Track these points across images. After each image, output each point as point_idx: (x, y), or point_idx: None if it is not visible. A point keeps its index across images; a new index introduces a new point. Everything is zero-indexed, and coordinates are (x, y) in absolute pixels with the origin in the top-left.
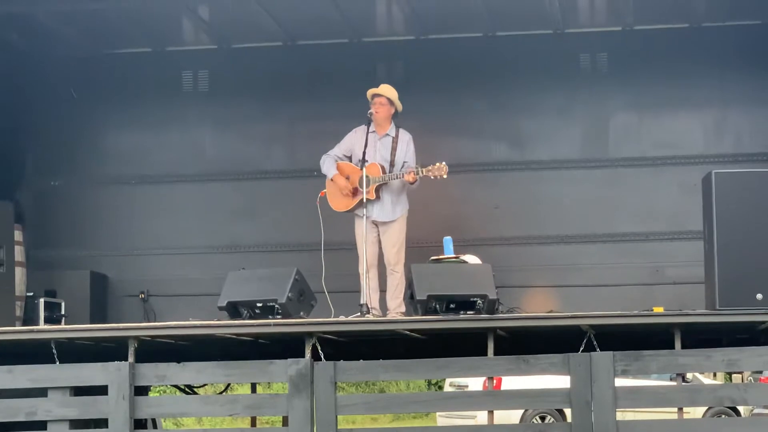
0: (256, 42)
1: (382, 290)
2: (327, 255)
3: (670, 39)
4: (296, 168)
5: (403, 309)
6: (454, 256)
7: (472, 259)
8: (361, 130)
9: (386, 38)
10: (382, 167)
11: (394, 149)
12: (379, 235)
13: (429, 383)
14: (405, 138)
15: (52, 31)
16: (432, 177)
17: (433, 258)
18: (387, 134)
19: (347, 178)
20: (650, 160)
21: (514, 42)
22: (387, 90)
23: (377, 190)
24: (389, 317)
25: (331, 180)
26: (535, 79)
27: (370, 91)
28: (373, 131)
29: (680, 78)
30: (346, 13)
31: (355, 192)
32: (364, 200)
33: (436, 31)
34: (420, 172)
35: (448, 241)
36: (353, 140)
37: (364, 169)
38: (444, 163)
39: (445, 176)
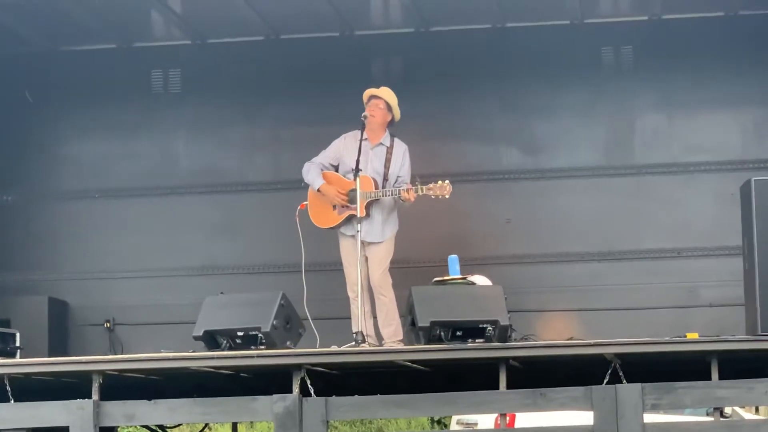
0: (235, 36)
1: (375, 316)
2: (312, 277)
3: (703, 29)
4: (281, 179)
5: (399, 336)
6: (460, 276)
7: (480, 280)
8: (352, 136)
9: (382, 31)
10: (375, 181)
11: (388, 161)
12: (365, 255)
13: (433, 421)
14: (400, 149)
15: (0, 25)
16: (432, 196)
17: (436, 279)
18: (381, 143)
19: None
20: (682, 166)
21: (526, 34)
22: (387, 94)
23: (367, 206)
24: (387, 346)
25: (318, 191)
26: (551, 77)
27: (368, 92)
28: (365, 139)
29: (715, 74)
30: (336, 3)
31: (342, 205)
32: (358, 215)
33: (439, 23)
34: (419, 191)
35: (453, 260)
36: (341, 147)
37: (358, 180)
38: (447, 181)
39: (447, 196)
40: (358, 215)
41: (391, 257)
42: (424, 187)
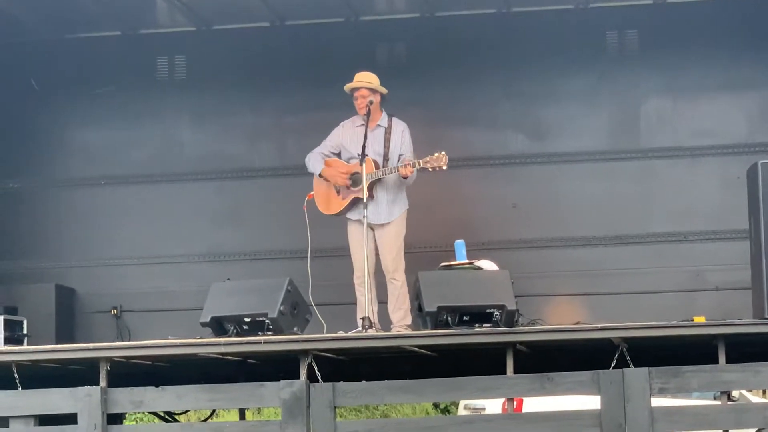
0: (240, 23)
1: (381, 301)
2: (316, 263)
3: (708, 13)
4: (286, 165)
5: (408, 322)
6: (467, 261)
7: (487, 264)
8: (350, 123)
9: (387, 16)
10: (375, 162)
11: (387, 140)
12: (374, 238)
13: (438, 407)
14: (399, 127)
15: (5, 14)
16: (430, 169)
17: (443, 264)
18: (378, 125)
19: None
20: (687, 150)
21: (531, 19)
22: (365, 78)
23: (370, 188)
24: (394, 332)
25: (320, 176)
26: (556, 61)
27: (347, 87)
28: (362, 124)
29: (721, 57)
30: None
31: (347, 189)
32: (365, 199)
33: (444, 8)
34: (416, 164)
35: (460, 245)
36: (341, 135)
37: (363, 166)
38: (443, 152)
39: (444, 167)
40: (364, 198)
41: (403, 239)
42: (420, 161)
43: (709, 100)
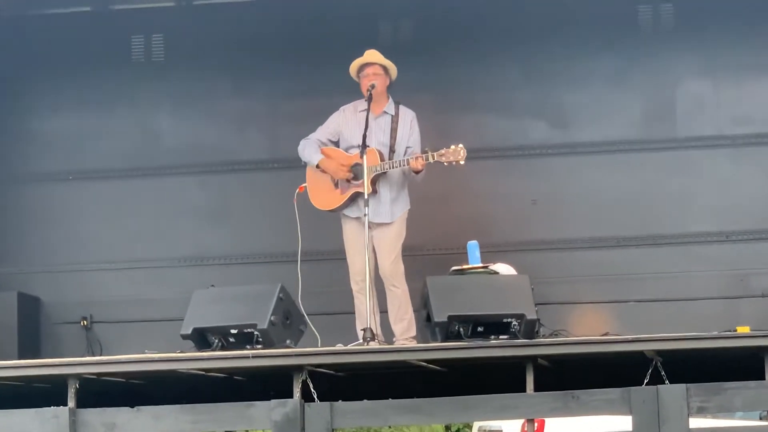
0: None
1: (383, 310)
2: (310, 267)
3: None
4: (277, 157)
5: (412, 333)
6: (481, 265)
7: (504, 268)
8: (351, 108)
9: None
10: (380, 153)
11: (394, 130)
12: (372, 239)
13: (450, 429)
14: (407, 117)
15: None
16: (445, 163)
17: (454, 269)
18: (385, 112)
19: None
20: (729, 139)
21: None
22: (378, 57)
23: (374, 182)
24: (399, 344)
25: (316, 167)
26: (582, 39)
27: (356, 63)
28: (364, 110)
29: (766, 35)
30: None
31: (347, 182)
32: (366, 195)
33: None
34: (430, 158)
35: (473, 247)
36: (340, 121)
37: (364, 157)
38: (461, 145)
39: (462, 162)
40: (366, 193)
41: (403, 241)
42: (435, 154)
43: (753, 83)
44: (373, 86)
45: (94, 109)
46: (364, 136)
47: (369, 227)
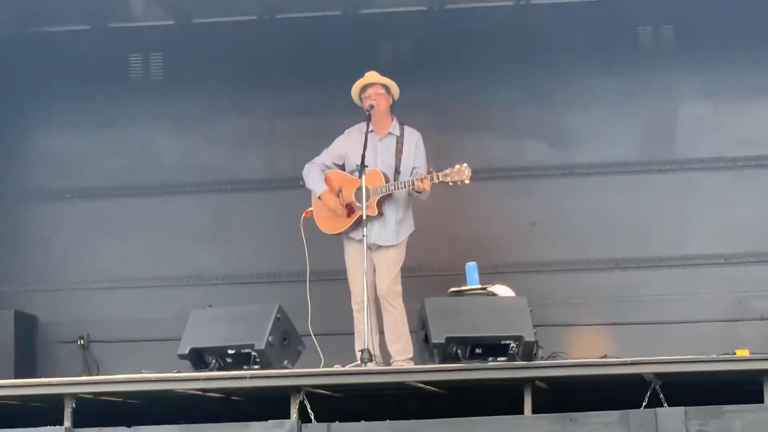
0: (224, 16)
1: (383, 331)
2: (313, 287)
3: (754, 6)
4: (276, 177)
5: (409, 354)
6: (479, 286)
7: (502, 290)
8: (356, 130)
9: (390, 9)
10: (385, 175)
11: (399, 152)
12: (373, 260)
13: None
14: (413, 138)
15: None
16: (450, 183)
17: (452, 290)
18: (390, 133)
19: (339, 191)
20: (730, 161)
21: (553, 11)
22: (379, 77)
23: (379, 204)
24: (396, 366)
25: (319, 198)
26: (581, 59)
27: (358, 85)
28: (371, 131)
29: (767, 56)
30: None
31: (350, 210)
32: (364, 217)
33: (455, 0)
34: (435, 178)
35: (471, 268)
36: (346, 144)
37: (363, 178)
38: (465, 164)
39: (467, 182)
40: (364, 215)
41: (402, 263)
42: (439, 174)
43: (753, 105)
44: (372, 106)
45: (92, 127)
46: (363, 156)
47: (371, 249)
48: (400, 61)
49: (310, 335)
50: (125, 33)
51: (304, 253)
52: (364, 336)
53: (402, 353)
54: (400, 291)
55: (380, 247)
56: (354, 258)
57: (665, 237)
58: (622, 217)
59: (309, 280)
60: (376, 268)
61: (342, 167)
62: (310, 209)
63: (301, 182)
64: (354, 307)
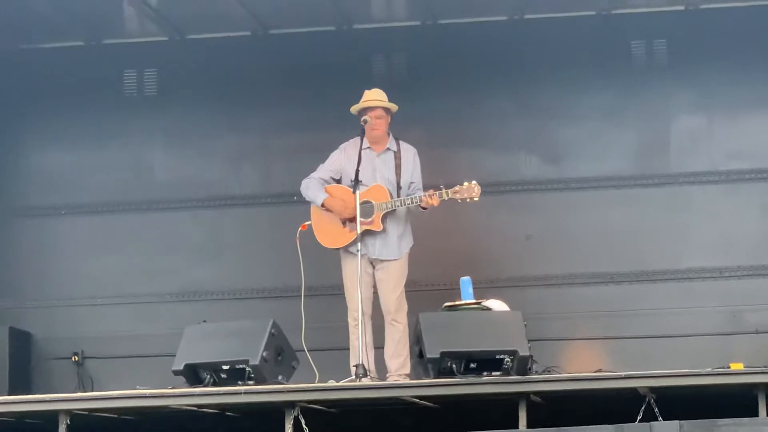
0: (218, 32)
1: (378, 347)
2: (308, 302)
3: (746, 20)
4: (270, 192)
5: (407, 371)
6: (474, 301)
7: (497, 305)
8: (352, 145)
9: (384, 25)
10: (389, 191)
11: (398, 167)
12: (373, 275)
13: None
14: (409, 153)
15: None
16: (459, 200)
17: (447, 305)
18: (388, 149)
19: (345, 221)
20: (723, 174)
21: (547, 27)
22: (377, 96)
23: (383, 219)
24: (391, 381)
25: (321, 206)
26: (575, 74)
27: (357, 107)
28: (368, 147)
29: (760, 70)
30: None
31: (353, 220)
32: (358, 232)
33: (447, 15)
34: (444, 195)
35: (466, 283)
36: (342, 159)
37: (357, 194)
38: (474, 181)
39: (476, 199)
40: (358, 230)
41: (405, 277)
42: (449, 191)
43: (747, 119)
44: (365, 121)
45: (86, 143)
46: (357, 171)
47: (373, 264)
48: (394, 76)
49: (305, 350)
50: (119, 49)
51: (299, 267)
52: (358, 351)
53: (400, 368)
54: (406, 307)
55: (382, 261)
56: (352, 272)
57: (660, 250)
58: (617, 231)
59: (303, 295)
60: (379, 283)
61: (339, 181)
62: (307, 223)
63: (295, 197)
64: (351, 322)
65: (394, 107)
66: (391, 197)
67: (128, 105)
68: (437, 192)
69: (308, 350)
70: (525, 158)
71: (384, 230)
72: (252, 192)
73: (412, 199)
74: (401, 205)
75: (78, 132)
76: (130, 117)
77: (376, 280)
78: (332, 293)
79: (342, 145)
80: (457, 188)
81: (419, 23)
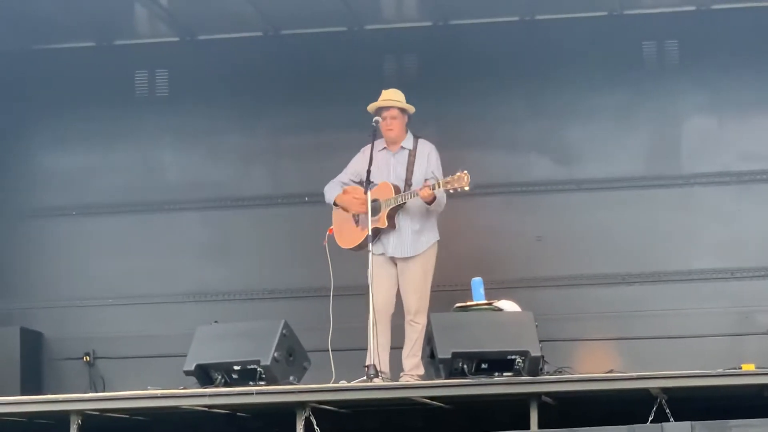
0: (229, 32)
1: (395, 347)
2: (322, 303)
3: (758, 20)
4: (281, 193)
5: (421, 371)
6: (485, 302)
7: (508, 305)
8: (370, 147)
9: (395, 25)
10: (396, 187)
11: (411, 164)
12: (397, 275)
13: None
14: (425, 150)
15: None
16: (450, 190)
17: (458, 305)
18: (402, 147)
19: (357, 218)
20: (735, 176)
21: (558, 27)
22: (393, 96)
23: (390, 216)
24: (403, 381)
25: (335, 205)
26: (586, 75)
27: (373, 106)
28: (384, 148)
29: None
30: None
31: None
32: (369, 228)
33: (459, 16)
34: (435, 186)
35: (477, 284)
36: (361, 161)
37: (369, 191)
38: (465, 171)
39: (466, 188)
40: (369, 227)
41: (431, 275)
42: (440, 181)
43: (758, 119)
44: (377, 121)
45: (97, 144)
46: (368, 171)
47: (393, 262)
48: (405, 77)
49: (328, 350)
50: (130, 50)
51: (312, 264)
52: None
53: (414, 369)
54: (427, 306)
55: (403, 260)
56: (373, 272)
57: (671, 251)
58: (628, 232)
59: (329, 296)
60: (401, 283)
61: (360, 184)
62: (332, 227)
63: (306, 198)
64: (370, 324)
65: (410, 108)
66: (397, 193)
67: (139, 105)
68: (428, 184)
69: (321, 350)
70: (536, 159)
71: (395, 227)
72: (263, 193)
73: (411, 193)
74: (402, 201)
75: (89, 133)
76: (141, 117)
77: (399, 279)
78: (351, 294)
79: (363, 148)
80: (447, 179)
81: (430, 24)
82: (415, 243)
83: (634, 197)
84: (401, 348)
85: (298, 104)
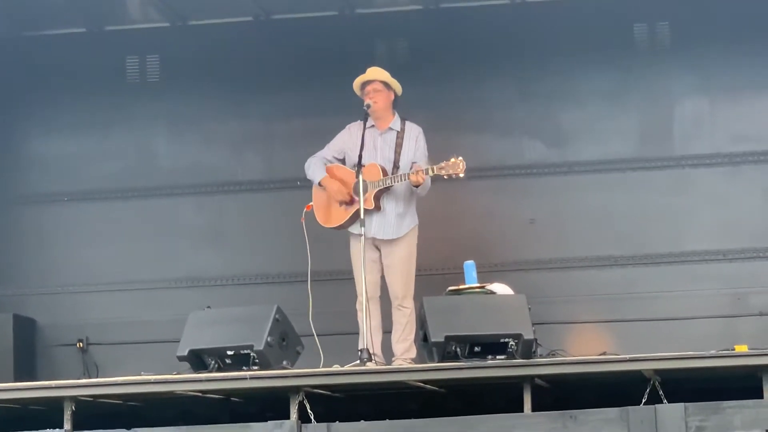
0: (220, 17)
1: (386, 331)
2: (315, 287)
3: (749, 3)
4: (274, 178)
5: (412, 355)
6: (478, 285)
7: (501, 288)
8: (357, 126)
9: (386, 9)
10: (383, 169)
11: (399, 146)
12: (381, 258)
13: None
14: (413, 132)
15: None
16: (445, 176)
17: (451, 289)
18: (390, 128)
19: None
20: (727, 157)
21: (549, 10)
22: (379, 73)
23: (377, 198)
24: (396, 365)
25: (319, 185)
26: (578, 57)
27: (358, 81)
28: (372, 126)
29: (763, 53)
30: None
31: (351, 200)
32: (361, 212)
33: None
34: (430, 171)
35: (469, 267)
36: (346, 139)
37: (360, 174)
38: (460, 157)
39: (461, 174)
40: (362, 210)
41: (415, 258)
42: (434, 167)
43: (750, 101)
44: (368, 105)
45: (89, 130)
46: (360, 155)
47: (376, 246)
48: (397, 61)
49: (314, 334)
50: (121, 35)
51: (304, 252)
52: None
53: (406, 353)
54: (413, 289)
55: (386, 243)
56: (357, 255)
57: (663, 234)
58: (620, 214)
59: (310, 279)
60: (386, 265)
61: (343, 161)
62: (311, 203)
63: (299, 182)
64: (357, 306)
65: (395, 83)
66: (384, 175)
67: (131, 91)
68: (423, 168)
69: (317, 335)
70: (528, 142)
71: (380, 209)
72: (255, 177)
73: (401, 176)
74: (391, 183)
75: (81, 118)
76: (132, 103)
77: (383, 265)
78: (339, 278)
79: (348, 125)
80: (442, 164)
81: (421, 7)
82: (399, 226)
83: (626, 179)
84: (391, 332)
85: (290, 89)
